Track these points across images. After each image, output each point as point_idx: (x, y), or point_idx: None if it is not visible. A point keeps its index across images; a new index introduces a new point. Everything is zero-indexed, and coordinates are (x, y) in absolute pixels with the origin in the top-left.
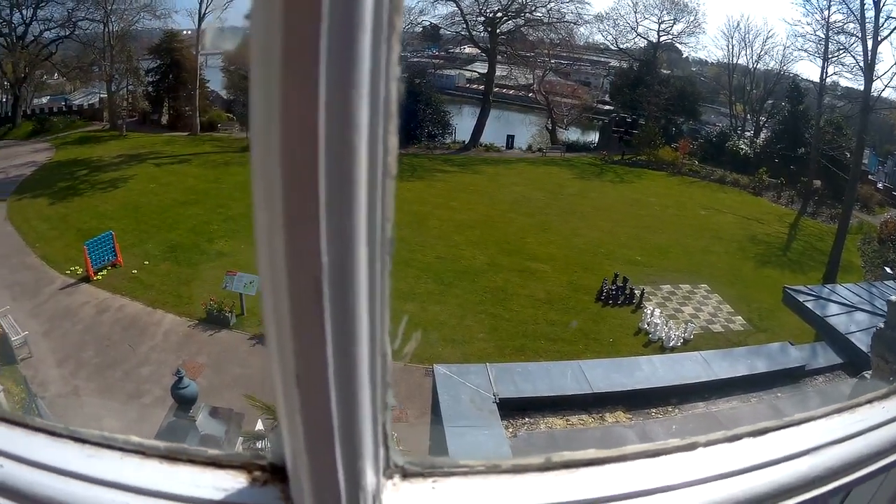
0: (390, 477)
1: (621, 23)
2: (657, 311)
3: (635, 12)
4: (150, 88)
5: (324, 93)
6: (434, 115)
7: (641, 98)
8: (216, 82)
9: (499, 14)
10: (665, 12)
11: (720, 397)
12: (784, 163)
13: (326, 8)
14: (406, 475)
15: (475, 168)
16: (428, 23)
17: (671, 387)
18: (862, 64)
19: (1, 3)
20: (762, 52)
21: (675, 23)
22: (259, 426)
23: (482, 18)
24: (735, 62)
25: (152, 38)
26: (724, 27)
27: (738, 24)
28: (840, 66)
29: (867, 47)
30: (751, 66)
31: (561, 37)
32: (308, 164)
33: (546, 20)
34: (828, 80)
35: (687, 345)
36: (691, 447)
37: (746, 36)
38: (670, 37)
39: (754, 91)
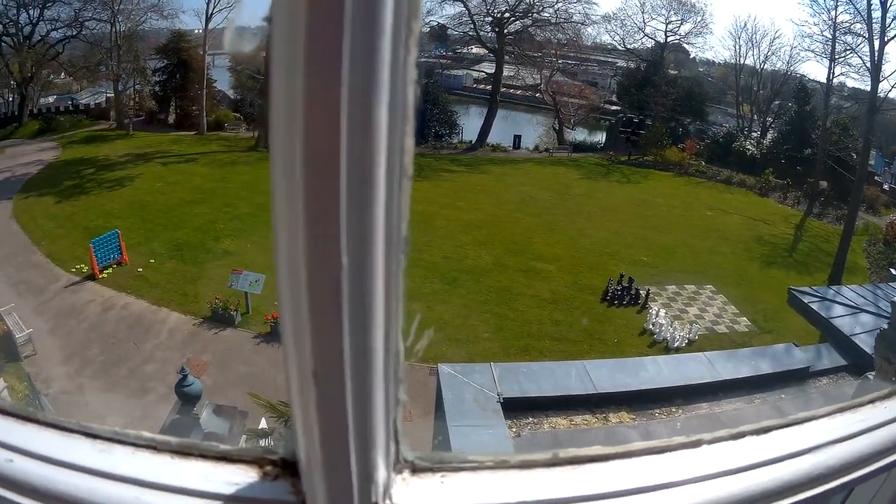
0: (400, 472)
1: (629, 23)
2: (662, 312)
3: (643, 13)
4: (157, 88)
5: (346, 96)
6: (441, 115)
7: (648, 98)
8: (223, 82)
9: (506, 14)
10: (672, 13)
11: (724, 398)
12: (790, 164)
13: (349, 13)
14: (415, 470)
15: (482, 168)
16: (435, 23)
17: (675, 387)
18: (869, 65)
19: (8, 3)
20: (769, 53)
21: (682, 23)
22: (263, 424)
23: (490, 19)
24: (742, 63)
25: (159, 38)
26: (731, 28)
27: (746, 25)
28: (847, 67)
29: (874, 48)
30: (758, 66)
31: (568, 37)
32: (330, 166)
33: (553, 20)
34: (835, 80)
35: (692, 345)
36: (696, 444)
37: (754, 36)
38: (678, 37)
39: (761, 91)
